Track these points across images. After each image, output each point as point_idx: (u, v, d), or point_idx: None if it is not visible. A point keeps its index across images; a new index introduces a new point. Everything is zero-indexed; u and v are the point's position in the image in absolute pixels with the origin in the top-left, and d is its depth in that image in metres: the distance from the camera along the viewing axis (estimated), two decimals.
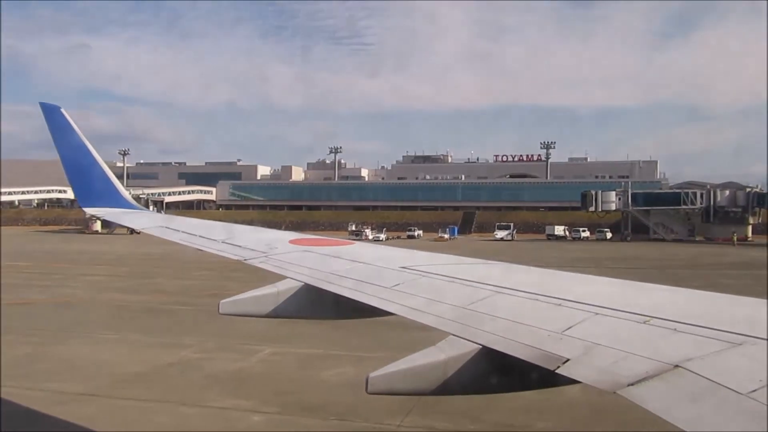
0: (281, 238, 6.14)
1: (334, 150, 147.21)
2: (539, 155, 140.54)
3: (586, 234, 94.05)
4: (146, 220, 7.74)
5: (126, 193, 8.29)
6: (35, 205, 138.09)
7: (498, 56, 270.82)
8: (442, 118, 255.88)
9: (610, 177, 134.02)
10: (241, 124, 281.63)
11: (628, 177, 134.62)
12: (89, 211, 7.95)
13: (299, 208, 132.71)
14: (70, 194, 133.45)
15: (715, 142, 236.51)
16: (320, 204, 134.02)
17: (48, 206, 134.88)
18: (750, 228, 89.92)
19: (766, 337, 2.37)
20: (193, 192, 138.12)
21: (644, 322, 2.79)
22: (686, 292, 3.43)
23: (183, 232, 6.65)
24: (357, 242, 6.07)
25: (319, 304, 4.20)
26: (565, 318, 2.99)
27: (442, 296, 3.64)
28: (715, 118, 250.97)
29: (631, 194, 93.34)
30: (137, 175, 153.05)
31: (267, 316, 4.23)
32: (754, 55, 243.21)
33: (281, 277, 4.42)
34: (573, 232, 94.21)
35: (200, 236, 6.38)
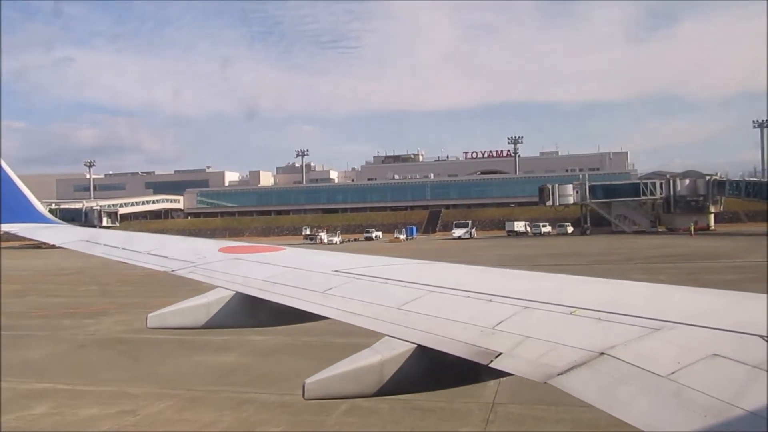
0: (210, 247, 6.03)
1: (301, 153, 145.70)
2: (509, 151, 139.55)
3: (547, 229, 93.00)
4: (65, 235, 7.41)
5: (42, 208, 8.08)
6: None
7: (480, 55, 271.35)
8: (426, 118, 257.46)
9: (581, 170, 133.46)
10: (228, 131, 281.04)
11: (598, 169, 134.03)
12: (4, 227, 7.67)
13: (268, 213, 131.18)
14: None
15: (703, 132, 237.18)
16: (289, 208, 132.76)
17: None
18: (712, 217, 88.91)
19: (683, 322, 2.48)
20: (158, 201, 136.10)
21: (570, 313, 2.86)
22: (608, 282, 3.53)
23: (105, 245, 6.45)
24: (288, 248, 5.89)
25: (251, 313, 4.12)
26: (496, 313, 3.03)
27: (376, 297, 3.65)
28: (700, 109, 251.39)
29: (589, 187, 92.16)
30: (105, 186, 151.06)
31: (198, 327, 4.13)
32: (736, 45, 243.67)
33: (211, 287, 4.32)
34: (533, 228, 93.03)
35: (124, 248, 6.21)
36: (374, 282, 4.04)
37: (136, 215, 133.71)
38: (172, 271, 5.08)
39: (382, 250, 65.60)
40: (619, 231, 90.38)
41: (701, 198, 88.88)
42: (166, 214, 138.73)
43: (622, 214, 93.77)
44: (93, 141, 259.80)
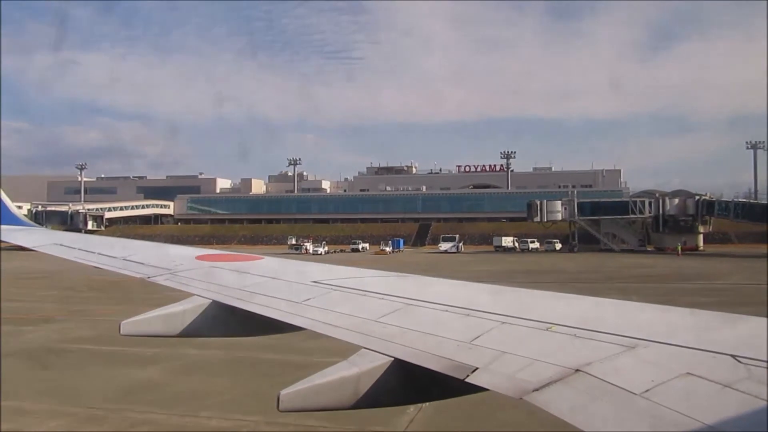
0: (187, 254, 5.94)
1: (293, 162, 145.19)
2: (502, 165, 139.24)
3: (536, 245, 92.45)
4: (39, 237, 7.37)
5: (17, 210, 8.01)
6: None
7: (483, 70, 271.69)
8: (427, 131, 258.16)
9: (573, 186, 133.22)
10: (229, 138, 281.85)
11: (591, 186, 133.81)
12: None
13: (258, 221, 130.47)
14: (24, 210, 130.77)
15: (703, 152, 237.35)
16: (279, 217, 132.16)
17: None
18: (701, 237, 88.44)
19: (656, 340, 2.51)
20: (147, 206, 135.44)
21: (547, 329, 2.88)
22: (585, 300, 3.57)
23: (80, 249, 6.35)
24: (267, 257, 5.84)
25: (227, 321, 4.07)
26: (473, 328, 3.03)
27: (354, 309, 3.62)
28: (700, 129, 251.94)
29: (578, 203, 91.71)
30: (96, 190, 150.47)
31: (173, 335, 4.07)
32: (736, 66, 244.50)
33: (187, 295, 4.27)
34: (521, 244, 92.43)
35: (99, 253, 6.10)
36: (352, 294, 4.02)
37: (126, 219, 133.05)
38: (148, 278, 5.00)
39: (365, 262, 64.96)
40: (607, 249, 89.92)
41: (690, 218, 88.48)
42: (156, 219, 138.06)
43: (610, 232, 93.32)
44: (94, 143, 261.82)
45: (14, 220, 7.80)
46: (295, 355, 15.93)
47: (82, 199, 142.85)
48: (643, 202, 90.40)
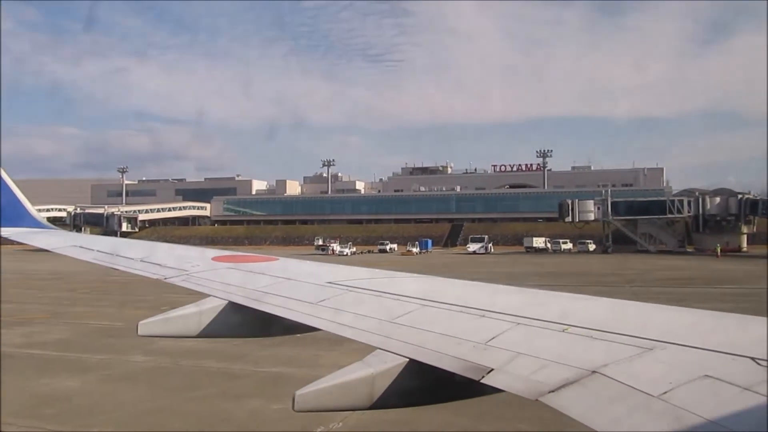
0: (203, 255, 5.98)
1: (327, 163, 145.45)
2: (538, 165, 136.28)
3: (568, 246, 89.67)
4: (57, 240, 7.48)
5: (36, 213, 8.20)
6: None
7: (528, 68, 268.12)
8: (469, 132, 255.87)
9: (613, 185, 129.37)
10: (275, 140, 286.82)
11: (632, 185, 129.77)
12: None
13: (293, 222, 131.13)
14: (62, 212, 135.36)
15: (760, 149, 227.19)
16: (314, 218, 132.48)
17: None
18: (744, 237, 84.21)
19: (674, 342, 2.48)
20: (184, 208, 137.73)
21: (563, 331, 2.86)
22: (601, 301, 3.52)
23: (97, 251, 6.44)
24: (282, 258, 5.86)
25: (243, 322, 4.08)
26: (488, 329, 3.01)
27: (369, 310, 3.61)
28: (757, 125, 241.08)
29: (612, 203, 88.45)
30: (136, 192, 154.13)
31: (189, 336, 4.11)
32: None
33: (203, 296, 4.29)
34: (553, 244, 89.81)
35: (116, 255, 6.20)
36: (367, 295, 4.00)
37: (164, 221, 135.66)
38: (165, 279, 5.03)
39: (387, 263, 64.08)
40: (643, 250, 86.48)
41: (733, 218, 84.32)
42: (193, 221, 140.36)
43: (648, 232, 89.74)
44: (142, 148, 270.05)
45: (34, 223, 7.90)
46: (242, 364, 15.22)
47: (123, 201, 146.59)
48: (681, 202, 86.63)
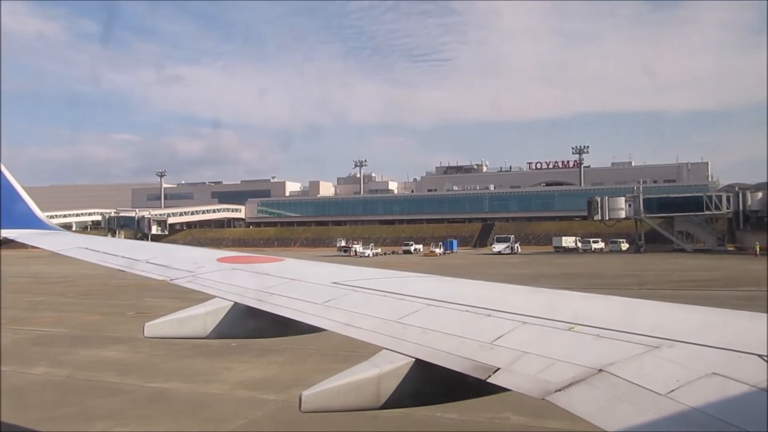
0: (209, 256, 6.00)
1: (359, 163, 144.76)
2: (575, 161, 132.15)
3: (599, 245, 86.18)
4: (63, 242, 7.48)
5: (42, 215, 8.25)
6: (76, 228, 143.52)
7: (576, 64, 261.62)
8: (517, 130, 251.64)
9: (655, 181, 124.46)
10: (322, 142, 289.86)
11: (674, 181, 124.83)
12: (4, 233, 7.73)
13: (326, 223, 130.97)
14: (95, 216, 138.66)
15: None
16: (346, 219, 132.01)
17: (90, 229, 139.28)
18: None
19: (681, 340, 2.47)
20: (219, 210, 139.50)
21: (569, 329, 2.85)
22: (608, 299, 3.49)
23: (104, 252, 6.47)
24: (288, 258, 5.88)
25: (249, 323, 4.09)
26: (494, 328, 3.01)
27: (374, 310, 3.61)
28: None
29: (644, 200, 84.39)
30: (175, 196, 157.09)
31: (195, 337, 4.13)
32: None
33: (208, 297, 4.31)
34: (583, 244, 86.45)
35: (122, 256, 6.19)
36: (373, 295, 3.99)
37: (200, 224, 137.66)
38: (171, 280, 5.04)
39: (403, 264, 62.67)
40: (679, 249, 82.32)
41: None
42: (228, 223, 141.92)
43: (684, 230, 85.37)
44: (195, 153, 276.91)
45: (40, 225, 7.92)
46: (136, 378, 14.30)
47: (162, 204, 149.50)
48: (719, 197, 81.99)
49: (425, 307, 3.52)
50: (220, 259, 5.68)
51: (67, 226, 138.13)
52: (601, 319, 2.92)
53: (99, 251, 6.53)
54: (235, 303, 4.10)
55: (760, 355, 2.17)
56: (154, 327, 4.03)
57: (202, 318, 4.05)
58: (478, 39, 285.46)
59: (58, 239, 7.61)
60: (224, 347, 17.18)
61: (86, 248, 6.70)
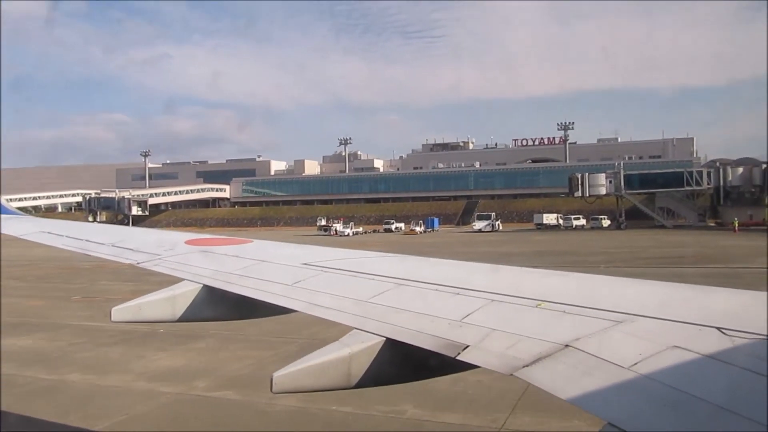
0: (176, 239, 5.94)
1: (343, 141, 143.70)
2: (561, 137, 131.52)
3: (581, 222, 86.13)
4: (26, 226, 7.32)
5: (3, 200, 8.16)
6: (62, 209, 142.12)
7: (570, 41, 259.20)
8: (511, 107, 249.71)
9: (640, 157, 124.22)
10: (314, 122, 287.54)
11: (660, 157, 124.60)
12: None
13: (311, 202, 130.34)
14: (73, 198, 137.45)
15: None
16: (331, 198, 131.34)
17: (75, 210, 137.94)
18: None
19: (644, 315, 2.54)
20: (203, 190, 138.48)
21: (536, 306, 2.92)
22: (574, 276, 3.60)
23: (67, 236, 6.37)
24: (257, 240, 5.66)
25: (218, 306, 4.08)
26: (463, 306, 3.05)
27: (344, 290, 3.62)
28: None
29: (625, 176, 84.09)
30: (159, 176, 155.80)
31: (164, 321, 4.11)
32: None
33: (177, 280, 4.28)
34: (565, 221, 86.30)
35: (87, 240, 6.14)
36: (342, 275, 4.00)
37: (186, 204, 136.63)
38: (138, 263, 4.99)
39: (381, 243, 62.27)
40: (660, 225, 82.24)
41: (757, 189, 79.21)
42: (213, 203, 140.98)
43: (665, 206, 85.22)
44: (188, 132, 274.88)
45: (2, 210, 7.78)
46: (15, 368, 13.73)
47: (147, 185, 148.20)
48: (700, 173, 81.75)
49: (395, 286, 3.53)
50: (188, 242, 5.62)
51: (50, 208, 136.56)
52: (567, 295, 2.96)
53: (62, 235, 6.41)
54: (204, 286, 4.06)
55: (718, 328, 2.25)
56: (121, 312, 3.97)
57: (170, 301, 4.01)
58: (469, 15, 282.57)
59: (20, 224, 7.46)
60: (152, 334, 16.72)
61: (49, 233, 6.62)
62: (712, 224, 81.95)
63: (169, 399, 11.07)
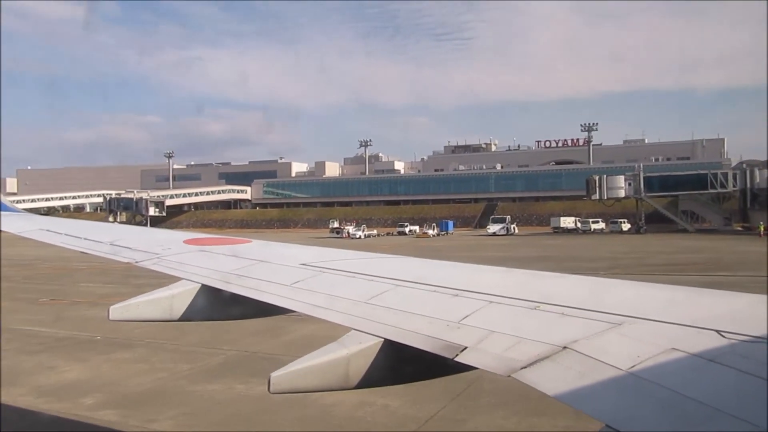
0: (175, 238, 5.93)
1: (364, 143, 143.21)
2: (585, 139, 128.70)
3: (599, 226, 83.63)
4: (25, 224, 7.28)
5: (4, 198, 8.25)
6: (90, 209, 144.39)
7: (600, 42, 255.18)
8: (540, 108, 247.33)
9: (668, 159, 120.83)
10: (344, 123, 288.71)
11: (688, 158, 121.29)
12: None
13: (332, 204, 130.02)
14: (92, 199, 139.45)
15: None
16: (351, 199, 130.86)
17: (100, 210, 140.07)
18: None
19: (643, 317, 2.54)
20: (224, 192, 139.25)
21: (535, 308, 2.91)
22: (572, 278, 3.58)
23: (66, 234, 6.34)
24: (255, 240, 5.68)
25: (216, 305, 4.08)
26: (462, 308, 3.04)
27: (342, 291, 3.63)
28: None
29: (645, 178, 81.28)
30: (183, 177, 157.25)
31: (162, 320, 4.10)
32: None
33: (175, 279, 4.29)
34: (582, 224, 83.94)
35: (85, 238, 6.12)
36: (341, 276, 4.00)
37: (207, 205, 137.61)
38: (136, 262, 4.97)
39: (390, 246, 61.18)
40: (683, 229, 79.36)
41: None
42: (235, 204, 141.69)
43: (689, 210, 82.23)
44: (218, 134, 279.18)
45: (3, 207, 7.80)
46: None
47: (171, 186, 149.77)
48: (725, 175, 78.62)
49: (393, 287, 3.52)
50: (187, 241, 5.62)
51: (78, 208, 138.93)
52: (566, 297, 2.95)
53: (61, 233, 6.39)
54: (202, 285, 4.05)
55: (716, 330, 2.25)
56: (120, 310, 3.95)
57: (168, 300, 4.00)
58: (498, 17, 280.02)
59: (18, 221, 7.45)
60: (87, 342, 16.08)
61: (48, 230, 6.58)
62: (739, 228, 78.80)
63: (42, 419, 10.26)
